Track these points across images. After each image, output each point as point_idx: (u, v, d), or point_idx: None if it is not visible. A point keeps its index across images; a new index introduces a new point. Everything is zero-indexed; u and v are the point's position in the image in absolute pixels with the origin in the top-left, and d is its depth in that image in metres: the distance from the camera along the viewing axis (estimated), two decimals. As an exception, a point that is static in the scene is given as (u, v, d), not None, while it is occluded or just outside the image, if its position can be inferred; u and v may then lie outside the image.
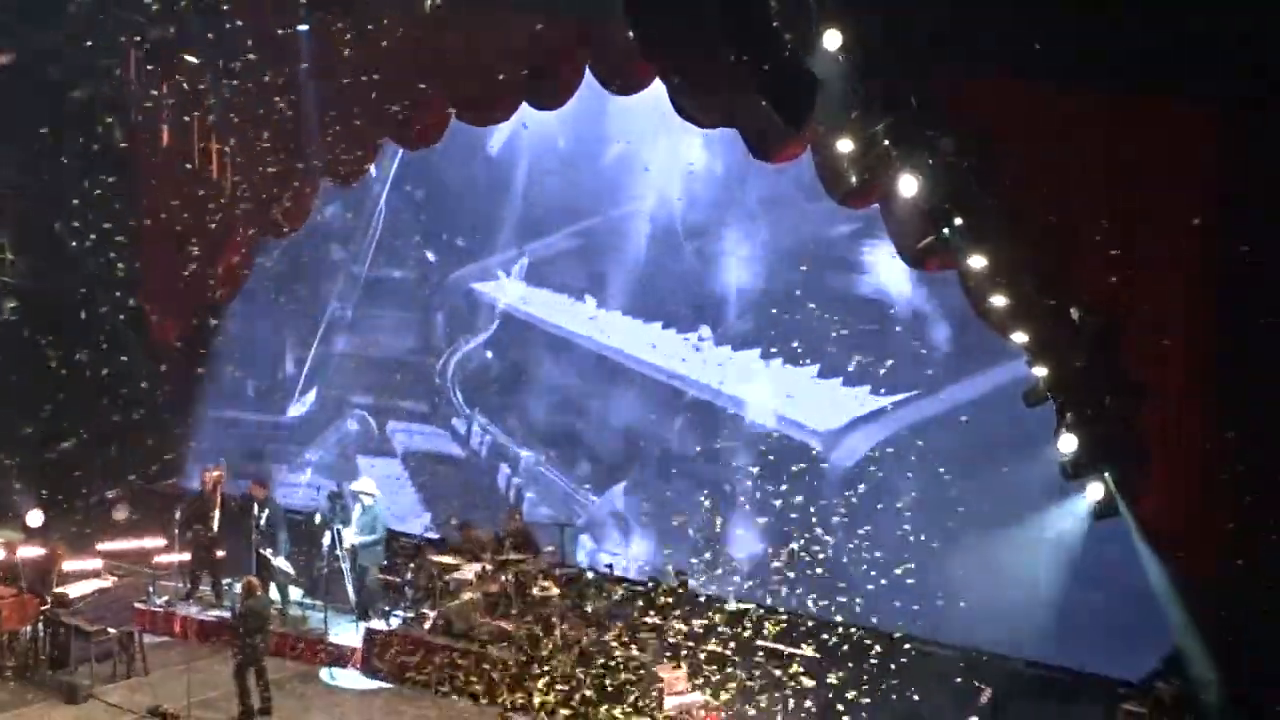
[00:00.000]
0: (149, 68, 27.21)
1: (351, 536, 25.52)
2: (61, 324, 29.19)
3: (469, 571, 24.08)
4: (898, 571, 23.47)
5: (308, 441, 30.12)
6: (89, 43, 27.37)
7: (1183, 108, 19.20)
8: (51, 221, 28.82)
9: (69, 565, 24.99)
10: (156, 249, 28.72)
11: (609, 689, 21.58)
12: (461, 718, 22.69)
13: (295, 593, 26.11)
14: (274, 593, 25.56)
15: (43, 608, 23.89)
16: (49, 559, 24.69)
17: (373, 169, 27.75)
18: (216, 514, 26.63)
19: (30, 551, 25.04)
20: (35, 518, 27.10)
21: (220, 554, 26.19)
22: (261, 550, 25.81)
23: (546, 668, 22.47)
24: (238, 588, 24.16)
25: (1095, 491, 20.28)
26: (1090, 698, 21.34)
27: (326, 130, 26.57)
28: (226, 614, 24.64)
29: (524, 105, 25.08)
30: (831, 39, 19.34)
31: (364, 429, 29.97)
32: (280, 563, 25.59)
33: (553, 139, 26.97)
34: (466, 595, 23.71)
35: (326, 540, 25.35)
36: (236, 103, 26.97)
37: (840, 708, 21.80)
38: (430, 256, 29.11)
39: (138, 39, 26.96)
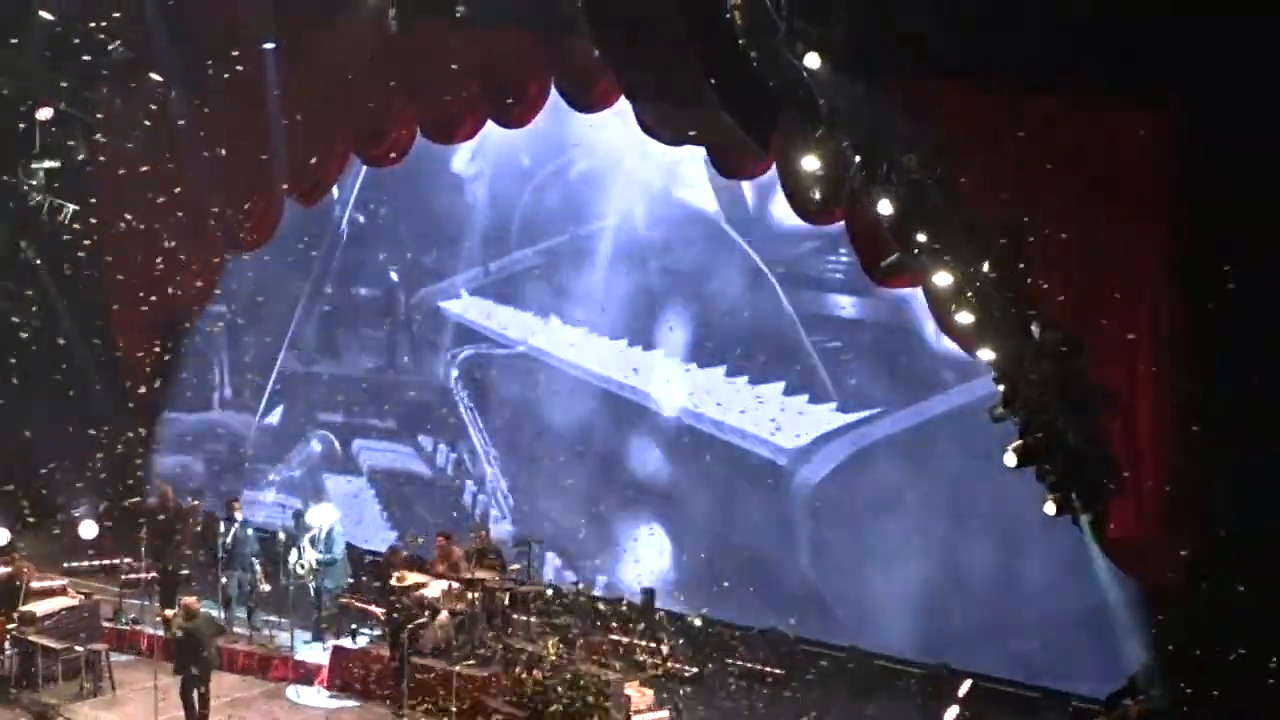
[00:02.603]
0: (114, 85, 27.30)
1: (312, 556, 25.29)
2: (27, 341, 28.90)
3: (435, 589, 23.60)
4: (863, 588, 23.46)
5: (273, 459, 29.89)
6: (52, 60, 27.15)
7: (1148, 117, 19.05)
8: (14, 239, 28.69)
9: (35, 583, 24.58)
10: (121, 266, 28.49)
11: (575, 707, 21.32)
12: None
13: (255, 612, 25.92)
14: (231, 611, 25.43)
15: (8, 626, 23.59)
16: (14, 576, 24.30)
17: (335, 189, 27.66)
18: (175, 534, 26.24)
19: None
20: (0, 535, 26.80)
21: (184, 572, 25.82)
22: (253, 564, 25.63)
23: (515, 686, 22.26)
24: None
25: (1056, 508, 19.92)
26: (1058, 715, 21.33)
27: (290, 148, 26.37)
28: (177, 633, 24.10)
29: (489, 123, 24.91)
30: (796, 55, 19.09)
31: (329, 447, 29.87)
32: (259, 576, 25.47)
33: (517, 157, 26.82)
34: (441, 614, 23.32)
35: (292, 559, 25.11)
36: (200, 119, 26.77)
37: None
38: (394, 275, 28.94)
39: (102, 57, 26.90)
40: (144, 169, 27.68)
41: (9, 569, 24.64)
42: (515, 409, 27.86)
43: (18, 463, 28.86)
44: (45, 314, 29.24)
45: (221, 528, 25.79)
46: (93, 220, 28.79)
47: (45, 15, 27.24)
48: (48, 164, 28.34)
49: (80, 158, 28.54)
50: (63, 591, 24.83)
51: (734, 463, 25.21)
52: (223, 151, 27.05)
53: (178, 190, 27.42)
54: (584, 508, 26.92)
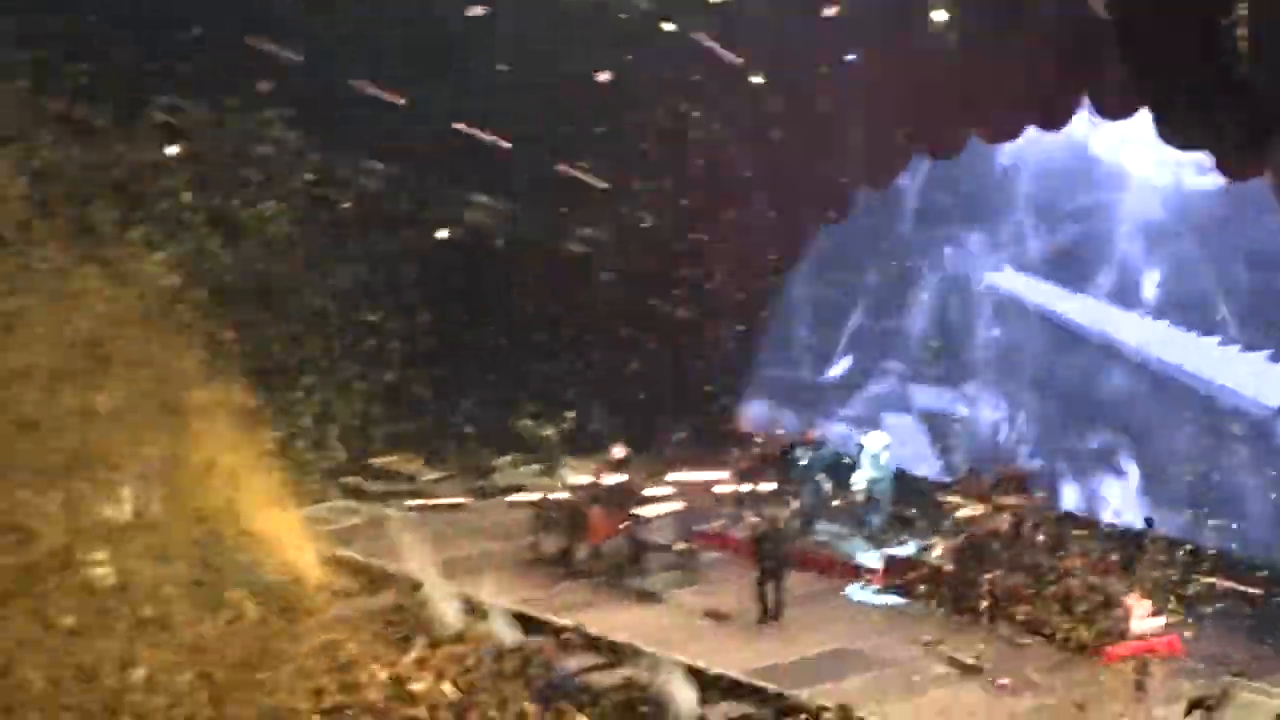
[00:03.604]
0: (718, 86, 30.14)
1: (868, 477, 27.99)
2: (646, 289, 32.36)
3: (971, 510, 25.69)
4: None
5: (844, 398, 31.90)
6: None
7: None
8: (635, 207, 32.20)
9: (647, 490, 27.46)
10: (724, 232, 31.71)
11: (1087, 610, 23.50)
12: (961, 632, 24.17)
13: (822, 523, 28.38)
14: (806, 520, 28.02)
15: (623, 524, 26.68)
16: (630, 485, 27.43)
17: (904, 177, 29.65)
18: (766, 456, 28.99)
19: (613, 479, 27.82)
20: (619, 450, 29.69)
21: (763, 487, 28.53)
22: (822, 484, 28.37)
23: (1039, 594, 24.22)
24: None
25: None
26: None
27: (867, 141, 28.71)
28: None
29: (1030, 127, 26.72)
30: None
31: (889, 389, 31.97)
32: (827, 494, 28.21)
33: (1050, 155, 28.51)
34: (971, 530, 25.26)
35: (854, 479, 28.01)
36: (794, 115, 29.43)
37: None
38: (947, 249, 31.37)
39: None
40: (745, 155, 30.40)
41: (626, 477, 27.77)
42: (1044, 364, 29.38)
43: (632, 392, 33.21)
44: (658, 266, 32.36)
45: (798, 452, 28.74)
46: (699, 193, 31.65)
47: (668, 26, 29.56)
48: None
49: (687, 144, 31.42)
50: (668, 499, 27.33)
51: (1221, 415, 26.67)
52: (811, 142, 29.20)
53: (778, 171, 29.88)
54: (1095, 448, 28.55)
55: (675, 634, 24.40)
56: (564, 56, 30.92)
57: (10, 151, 25.31)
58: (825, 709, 21.75)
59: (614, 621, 24.78)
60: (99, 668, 20.28)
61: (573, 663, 23.14)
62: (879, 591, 26.26)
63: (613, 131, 32.32)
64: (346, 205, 32.87)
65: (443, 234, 33.44)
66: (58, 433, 22.20)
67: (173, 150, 30.62)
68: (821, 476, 28.79)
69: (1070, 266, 29.30)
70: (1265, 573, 25.23)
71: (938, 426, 31.30)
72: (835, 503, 28.81)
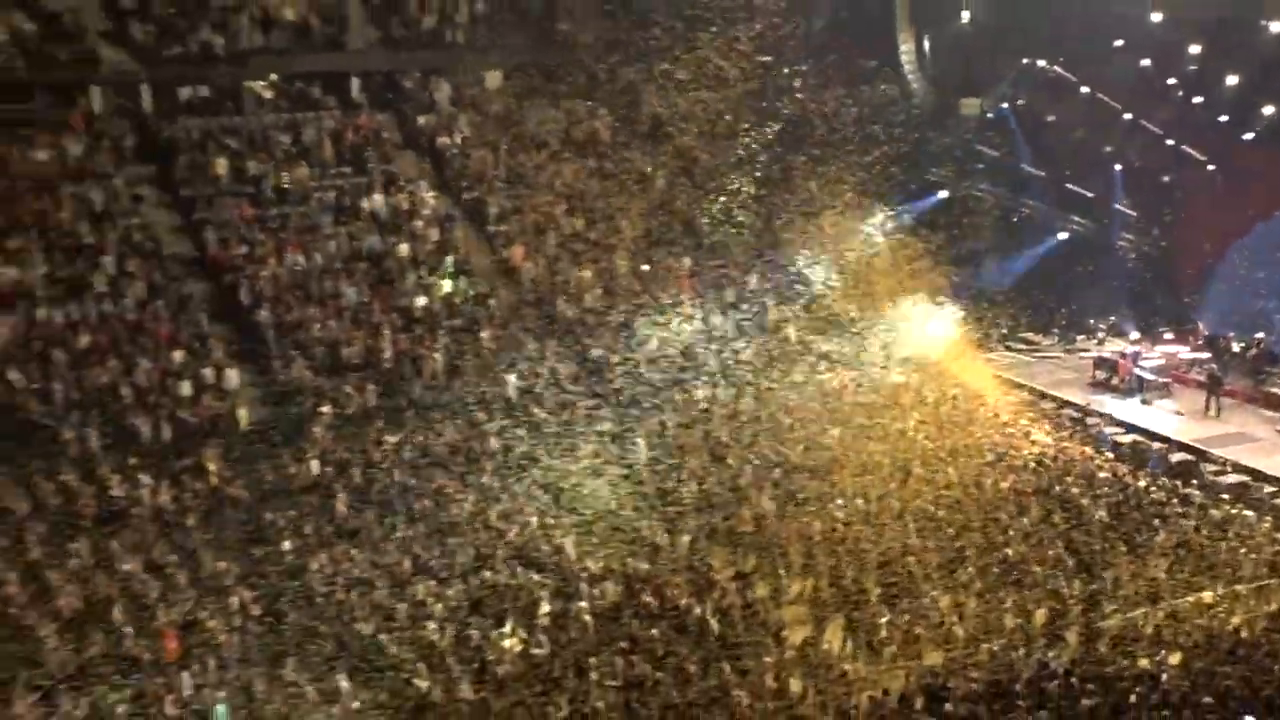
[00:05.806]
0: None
1: (1251, 351, 41.79)
2: (1148, 258, 49.21)
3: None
4: None
5: (1246, 315, 45.40)
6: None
7: None
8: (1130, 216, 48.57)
9: (1147, 352, 41.80)
10: (1185, 233, 47.61)
11: None
12: (1247, 426, 37.56)
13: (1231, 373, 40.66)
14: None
15: (1135, 368, 40.51)
16: (1139, 350, 42.20)
17: None
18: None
19: (1131, 347, 42.65)
20: (1134, 334, 44.24)
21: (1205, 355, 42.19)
22: (1234, 352, 41.54)
23: None
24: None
25: None
26: None
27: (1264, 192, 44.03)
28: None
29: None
30: None
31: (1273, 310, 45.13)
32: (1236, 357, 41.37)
33: None
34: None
35: (1234, 347, 42.28)
36: (1226, 184, 45.33)
37: None
38: None
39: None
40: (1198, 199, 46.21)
41: (1138, 347, 42.11)
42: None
43: (1143, 306, 46.45)
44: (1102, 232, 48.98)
45: (1221, 339, 43.26)
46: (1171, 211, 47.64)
47: (1154, 129, 45.37)
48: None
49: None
50: (1159, 356, 42.04)
51: None
52: (1232, 193, 44.89)
53: (1215, 209, 44.82)
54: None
55: (1156, 420, 38.08)
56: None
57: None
58: (1226, 460, 35.22)
59: (1127, 412, 39.07)
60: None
61: (1108, 430, 37.59)
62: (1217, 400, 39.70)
63: (1133, 184, 49.17)
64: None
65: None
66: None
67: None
68: (1234, 348, 42.69)
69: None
70: None
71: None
72: (1239, 362, 42.46)
